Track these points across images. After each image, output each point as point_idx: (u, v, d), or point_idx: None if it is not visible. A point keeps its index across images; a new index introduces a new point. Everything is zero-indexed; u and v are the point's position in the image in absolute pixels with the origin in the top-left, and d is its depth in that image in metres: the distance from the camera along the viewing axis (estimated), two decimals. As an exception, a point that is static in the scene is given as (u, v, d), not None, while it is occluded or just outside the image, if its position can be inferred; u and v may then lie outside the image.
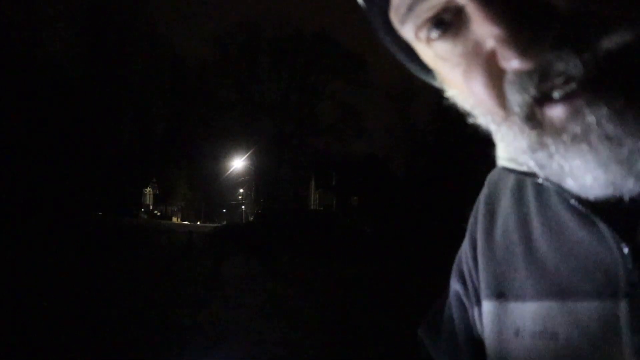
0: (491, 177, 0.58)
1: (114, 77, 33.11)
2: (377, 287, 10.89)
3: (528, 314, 0.46)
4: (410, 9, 0.40)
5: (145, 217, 37.88)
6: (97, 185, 28.44)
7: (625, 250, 0.39)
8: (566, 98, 0.33)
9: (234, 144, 39.36)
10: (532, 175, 0.42)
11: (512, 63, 0.34)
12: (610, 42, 0.32)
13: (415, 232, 23.37)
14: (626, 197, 0.35)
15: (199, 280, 10.54)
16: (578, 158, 0.35)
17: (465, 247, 0.59)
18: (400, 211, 28.47)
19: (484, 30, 0.35)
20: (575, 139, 0.34)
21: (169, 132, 40.01)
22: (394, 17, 0.42)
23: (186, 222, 42.18)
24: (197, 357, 5.16)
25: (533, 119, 0.36)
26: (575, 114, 0.33)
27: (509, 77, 0.35)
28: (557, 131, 0.35)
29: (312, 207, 41.55)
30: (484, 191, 0.58)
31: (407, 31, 0.42)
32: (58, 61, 30.20)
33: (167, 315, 6.90)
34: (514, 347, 0.47)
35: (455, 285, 0.60)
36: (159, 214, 43.93)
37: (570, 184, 0.38)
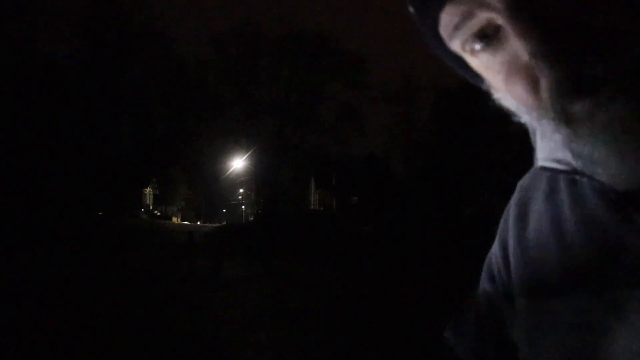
0: (522, 182, 0.61)
1: (114, 77, 33.11)
2: (377, 286, 10.89)
3: (564, 308, 0.48)
4: (456, 27, 0.46)
5: (145, 217, 37.83)
6: (97, 185, 28.43)
7: None
8: (592, 94, 0.38)
9: (234, 144, 39.38)
10: (568, 172, 0.47)
11: (543, 72, 0.40)
12: (627, 51, 0.37)
13: (415, 231, 23.36)
14: None
15: (199, 281, 10.54)
16: (604, 147, 0.40)
17: (495, 249, 0.61)
18: (400, 211, 28.47)
19: (519, 45, 0.41)
20: (601, 128, 0.39)
21: (169, 132, 40.01)
22: (443, 33, 0.48)
23: (186, 222, 42.10)
24: (198, 357, 5.17)
25: (567, 114, 0.41)
26: (599, 107, 0.38)
27: (543, 83, 0.41)
28: (586, 122, 0.40)
29: (312, 207, 41.55)
30: (516, 195, 0.60)
31: (455, 45, 0.48)
32: (58, 61, 30.20)
33: (167, 316, 6.90)
34: (550, 342, 0.49)
35: (484, 285, 0.62)
36: (159, 214, 43.83)
37: (600, 173, 0.42)
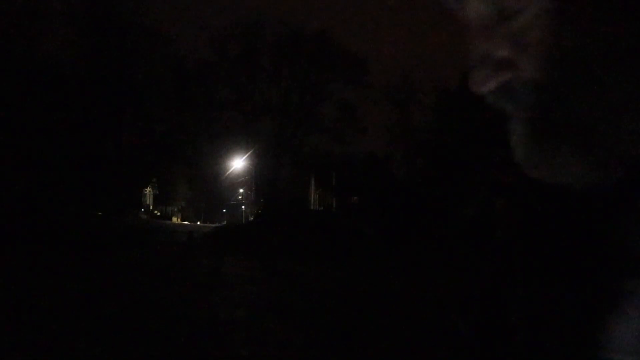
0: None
1: (114, 77, 33.11)
2: (377, 286, 10.90)
3: (565, 295, 0.50)
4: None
5: (145, 217, 37.86)
6: (97, 185, 28.43)
7: None
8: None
9: (234, 144, 39.40)
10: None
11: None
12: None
13: (415, 232, 23.37)
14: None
15: (199, 280, 10.54)
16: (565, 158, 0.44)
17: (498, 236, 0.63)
18: (400, 211, 28.47)
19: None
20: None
21: (169, 132, 40.02)
22: None
23: (186, 222, 42.17)
24: (198, 356, 5.17)
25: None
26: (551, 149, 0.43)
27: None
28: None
29: (312, 207, 41.56)
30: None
31: None
32: (58, 61, 30.20)
33: (167, 315, 6.90)
34: (550, 328, 0.51)
35: (489, 269, 0.63)
36: (159, 214, 43.88)
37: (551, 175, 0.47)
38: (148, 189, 43.54)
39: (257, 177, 41.11)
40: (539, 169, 0.43)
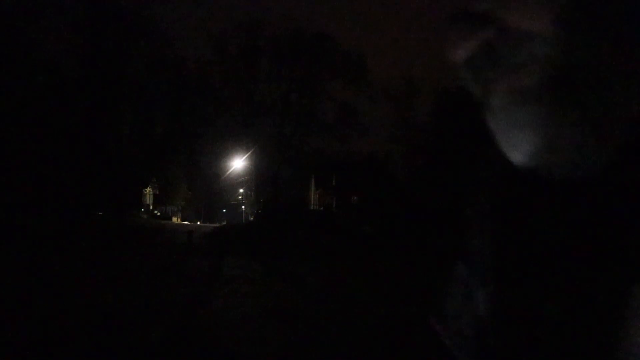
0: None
1: (115, 77, 33.13)
2: (377, 286, 10.91)
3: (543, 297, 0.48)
4: None
5: (145, 217, 37.84)
6: (97, 185, 28.45)
7: None
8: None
9: (234, 144, 39.42)
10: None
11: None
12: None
13: (414, 231, 23.38)
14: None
15: (199, 280, 10.55)
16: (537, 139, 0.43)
17: (471, 236, 0.61)
18: (399, 211, 28.49)
19: None
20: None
21: (169, 132, 40.03)
22: None
23: (186, 222, 42.12)
24: (198, 356, 5.18)
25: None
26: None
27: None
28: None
29: (312, 207, 41.57)
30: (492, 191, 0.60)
31: None
32: (58, 61, 30.22)
33: (167, 315, 6.91)
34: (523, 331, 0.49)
35: (462, 271, 0.62)
36: (159, 214, 43.85)
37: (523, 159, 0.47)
38: (148, 189, 43.52)
39: (257, 177, 41.15)
40: (522, 148, 0.37)
